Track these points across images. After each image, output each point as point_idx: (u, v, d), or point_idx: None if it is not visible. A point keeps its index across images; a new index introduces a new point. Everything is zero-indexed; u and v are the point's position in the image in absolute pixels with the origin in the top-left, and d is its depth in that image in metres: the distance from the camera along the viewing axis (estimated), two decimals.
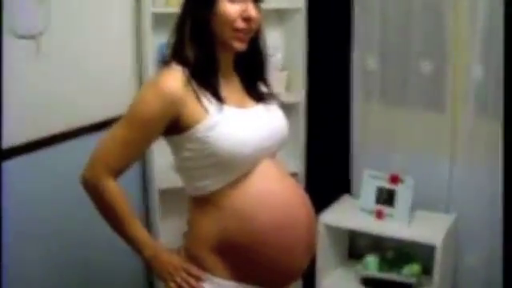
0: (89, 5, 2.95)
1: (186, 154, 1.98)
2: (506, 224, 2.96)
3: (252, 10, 1.96)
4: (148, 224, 3.35)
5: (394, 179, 3.41)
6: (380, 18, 3.47)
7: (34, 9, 2.66)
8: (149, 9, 3.16)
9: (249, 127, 1.99)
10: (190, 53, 1.98)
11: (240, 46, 2.00)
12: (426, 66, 3.41)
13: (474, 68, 3.22)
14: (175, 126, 1.95)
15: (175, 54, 2.01)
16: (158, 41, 3.18)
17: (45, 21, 2.70)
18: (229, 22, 1.95)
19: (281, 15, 3.66)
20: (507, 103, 2.92)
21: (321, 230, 3.40)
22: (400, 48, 3.47)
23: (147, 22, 3.17)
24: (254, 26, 1.99)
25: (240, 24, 1.95)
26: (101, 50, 3.05)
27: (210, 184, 1.99)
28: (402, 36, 3.45)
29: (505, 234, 2.98)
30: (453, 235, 3.35)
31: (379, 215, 3.41)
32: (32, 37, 2.66)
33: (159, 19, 3.16)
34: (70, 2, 2.85)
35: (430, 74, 3.40)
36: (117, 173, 1.98)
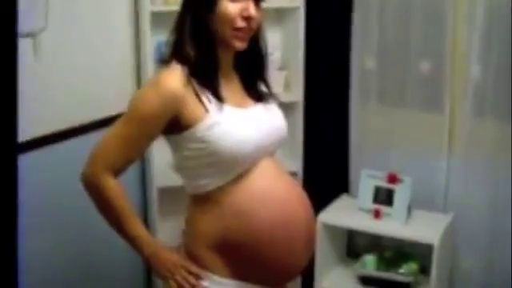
0: (87, 3, 2.96)
1: (186, 153, 1.98)
2: None
3: (252, 9, 1.96)
4: (146, 222, 3.35)
5: (392, 179, 3.41)
6: (379, 18, 3.47)
7: (32, 7, 2.66)
8: (147, 7, 3.16)
9: (248, 127, 1.99)
10: (190, 51, 1.98)
11: (240, 44, 2.00)
12: (425, 66, 3.41)
13: (472, 68, 3.23)
14: (175, 125, 1.96)
15: (175, 53, 2.02)
16: (156, 39, 3.19)
17: (43, 19, 2.70)
18: (229, 21, 1.95)
19: (279, 14, 3.66)
20: None
21: (319, 229, 3.39)
22: (398, 48, 3.47)
23: (146, 20, 3.17)
24: (253, 25, 2.00)
25: (240, 23, 1.96)
26: (99, 48, 3.06)
27: (209, 182, 2.00)
28: (401, 36, 3.46)
29: None
30: (450, 235, 3.36)
31: (377, 214, 3.41)
32: (30, 35, 2.66)
33: (158, 17, 3.16)
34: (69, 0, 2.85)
35: (429, 74, 3.41)
36: (117, 171, 1.99)
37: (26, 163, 2.60)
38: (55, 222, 2.88)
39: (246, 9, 1.95)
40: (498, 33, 3.11)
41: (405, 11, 3.41)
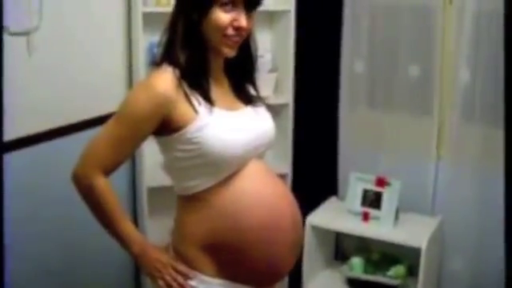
0: (80, 3, 2.96)
1: (176, 154, 1.99)
2: (507, 228, 2.99)
3: (243, 20, 1.97)
4: (136, 222, 3.35)
5: (381, 182, 3.43)
6: (368, 22, 3.50)
7: (25, 6, 2.66)
8: (139, 8, 3.17)
9: (237, 129, 2.00)
10: (181, 54, 1.99)
11: (229, 52, 2.01)
12: (414, 70, 3.43)
13: (461, 72, 3.25)
14: (165, 127, 1.97)
15: (166, 55, 2.03)
16: (148, 40, 3.20)
17: (36, 18, 2.71)
18: (220, 30, 1.96)
19: (270, 17, 3.67)
20: (508, 107, 2.94)
21: (307, 231, 3.41)
22: (388, 51, 3.50)
23: (138, 21, 3.18)
24: (244, 34, 2.01)
25: (230, 32, 1.97)
26: (92, 48, 3.07)
27: (198, 184, 2.00)
28: (390, 40, 3.48)
29: (506, 238, 3.00)
30: (438, 238, 3.38)
31: (365, 217, 3.43)
32: (23, 34, 2.66)
33: (150, 19, 3.17)
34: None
35: (418, 78, 3.43)
36: (107, 170, 1.99)
37: (12, 162, 2.62)
38: (41, 223, 2.86)
39: (238, 19, 1.96)
40: (487, 37, 3.13)
41: (394, 15, 3.43)
